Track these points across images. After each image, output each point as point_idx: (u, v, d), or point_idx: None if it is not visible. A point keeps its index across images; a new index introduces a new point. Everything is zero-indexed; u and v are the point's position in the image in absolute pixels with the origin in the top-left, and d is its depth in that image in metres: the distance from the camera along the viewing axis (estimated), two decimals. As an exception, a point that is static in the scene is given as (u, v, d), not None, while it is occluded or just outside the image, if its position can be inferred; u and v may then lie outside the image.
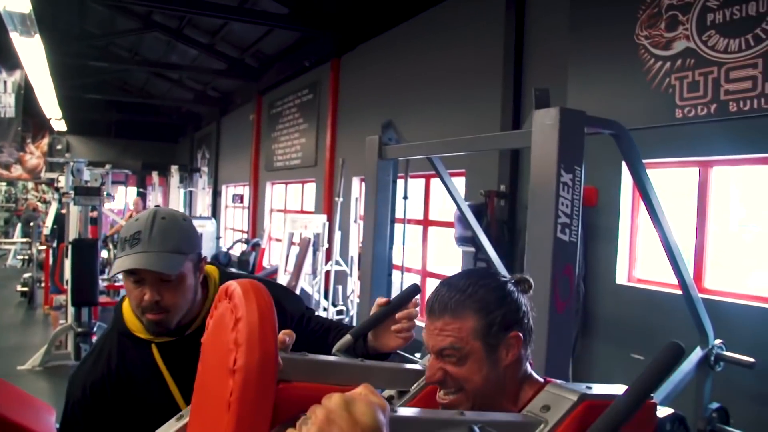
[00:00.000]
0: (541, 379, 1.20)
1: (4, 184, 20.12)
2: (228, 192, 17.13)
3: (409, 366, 1.28)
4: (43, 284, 9.39)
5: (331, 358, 1.21)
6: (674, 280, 3.14)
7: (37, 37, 7.48)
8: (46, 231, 9.02)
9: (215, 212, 17.29)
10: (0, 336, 7.40)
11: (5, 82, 11.10)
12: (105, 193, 7.58)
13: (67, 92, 13.97)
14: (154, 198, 12.78)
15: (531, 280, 1.28)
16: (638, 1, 4.69)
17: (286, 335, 1.07)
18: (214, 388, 0.86)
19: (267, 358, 0.80)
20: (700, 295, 3.24)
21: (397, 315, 1.47)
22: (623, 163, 4.31)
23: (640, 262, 4.98)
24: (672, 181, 4.88)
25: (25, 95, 11.33)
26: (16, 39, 7.51)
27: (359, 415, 0.73)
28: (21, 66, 10.10)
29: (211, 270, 1.65)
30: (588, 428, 0.90)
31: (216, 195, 17.53)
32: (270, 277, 8.95)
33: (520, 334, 1.18)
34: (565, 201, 2.27)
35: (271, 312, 0.85)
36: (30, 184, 20.16)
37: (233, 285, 0.92)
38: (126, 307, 1.58)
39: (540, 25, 5.86)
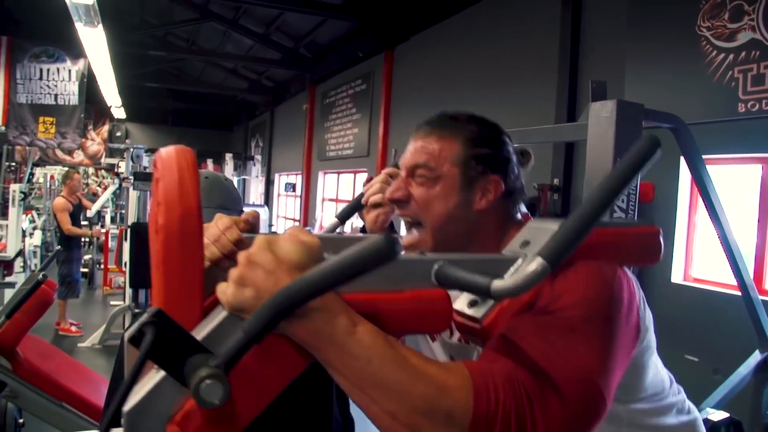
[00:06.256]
0: None
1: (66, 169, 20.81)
2: (281, 180, 17.34)
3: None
4: (102, 266, 9.70)
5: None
6: (733, 281, 3.05)
7: (100, 27, 7.71)
8: (89, 213, 9.14)
9: (268, 200, 17.52)
10: (61, 316, 7.68)
11: (69, 71, 11.44)
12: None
13: (127, 81, 14.34)
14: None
15: (532, 155, 1.25)
16: (701, -9, 4.55)
17: (250, 215, 1.05)
18: (153, 255, 0.81)
19: (188, 214, 0.73)
20: (761, 297, 3.14)
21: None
22: (682, 159, 4.21)
23: (697, 261, 4.86)
24: (733, 178, 4.73)
25: (88, 83, 11.66)
26: (81, 29, 7.75)
27: (283, 254, 0.68)
28: (84, 55, 10.41)
29: None
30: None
31: (269, 183, 17.77)
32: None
33: (502, 182, 1.11)
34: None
35: (191, 170, 0.77)
36: (90, 170, 20.79)
37: (159, 151, 0.83)
38: None
39: (597, 17, 5.74)
